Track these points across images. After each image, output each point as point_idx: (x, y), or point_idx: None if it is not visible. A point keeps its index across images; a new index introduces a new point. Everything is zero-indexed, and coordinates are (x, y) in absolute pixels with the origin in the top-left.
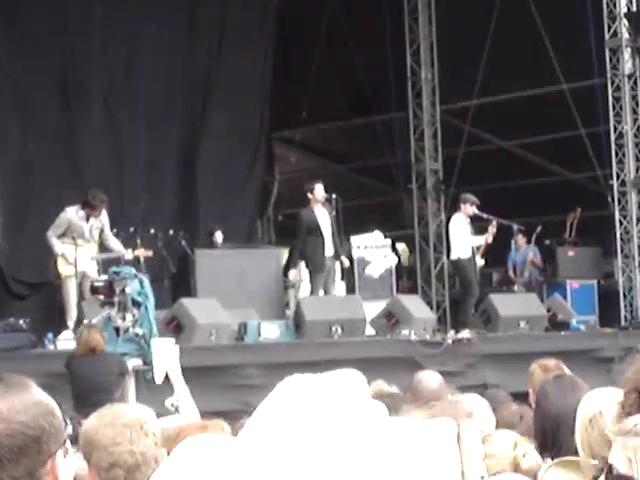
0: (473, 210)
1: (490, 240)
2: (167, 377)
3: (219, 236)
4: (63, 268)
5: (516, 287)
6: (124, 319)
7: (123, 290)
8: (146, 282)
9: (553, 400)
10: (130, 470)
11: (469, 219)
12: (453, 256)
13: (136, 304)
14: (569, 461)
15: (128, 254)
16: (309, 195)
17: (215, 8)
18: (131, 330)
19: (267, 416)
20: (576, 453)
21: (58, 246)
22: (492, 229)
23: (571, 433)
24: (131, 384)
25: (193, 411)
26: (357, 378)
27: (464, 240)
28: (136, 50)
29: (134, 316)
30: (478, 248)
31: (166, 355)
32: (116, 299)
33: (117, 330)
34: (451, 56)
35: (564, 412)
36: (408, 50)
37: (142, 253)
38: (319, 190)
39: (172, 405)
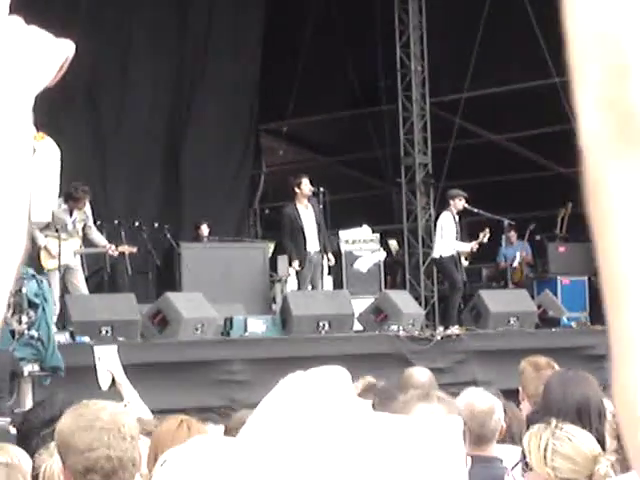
0: (462, 204)
1: (475, 249)
2: (113, 383)
3: (205, 229)
4: (46, 261)
5: (508, 275)
6: (20, 322)
7: (19, 291)
8: (45, 283)
9: (560, 394)
10: (107, 475)
11: (458, 216)
12: (435, 254)
13: (33, 306)
14: None
15: (112, 250)
16: (296, 189)
17: (203, 2)
18: (27, 333)
19: (265, 418)
20: None
21: (41, 239)
22: (483, 236)
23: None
24: (28, 390)
25: (146, 414)
26: (342, 375)
27: (448, 241)
28: (121, 44)
29: (30, 318)
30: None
31: (109, 361)
32: (11, 300)
33: (13, 333)
34: (441, 48)
35: (573, 406)
36: (398, 42)
37: (127, 249)
38: (305, 184)
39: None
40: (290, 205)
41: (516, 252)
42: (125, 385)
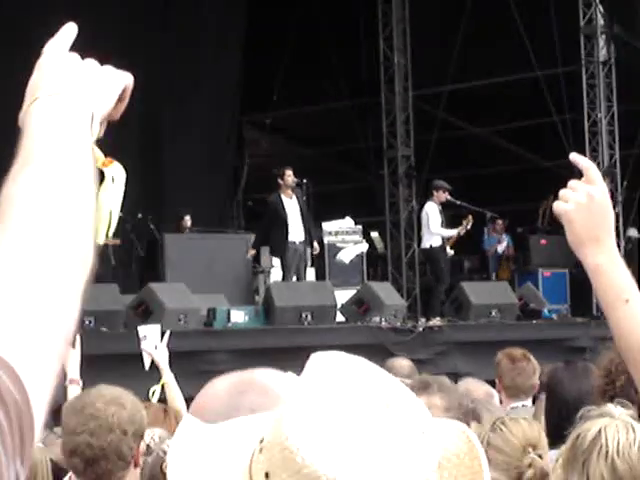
0: (446, 196)
1: (462, 233)
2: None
3: (188, 221)
4: None
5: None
6: None
7: None
8: None
9: (567, 386)
10: (88, 462)
11: (441, 206)
12: (425, 244)
13: None
14: None
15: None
16: (279, 180)
17: None
18: None
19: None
20: None
21: None
22: (466, 223)
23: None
24: None
25: (179, 399)
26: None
27: (434, 228)
28: (104, 34)
29: None
30: (449, 239)
31: (152, 342)
32: None
33: None
34: (424, 41)
35: (579, 397)
36: (381, 34)
37: (110, 242)
38: (289, 176)
39: (152, 393)
40: (275, 195)
41: (496, 241)
42: (163, 365)
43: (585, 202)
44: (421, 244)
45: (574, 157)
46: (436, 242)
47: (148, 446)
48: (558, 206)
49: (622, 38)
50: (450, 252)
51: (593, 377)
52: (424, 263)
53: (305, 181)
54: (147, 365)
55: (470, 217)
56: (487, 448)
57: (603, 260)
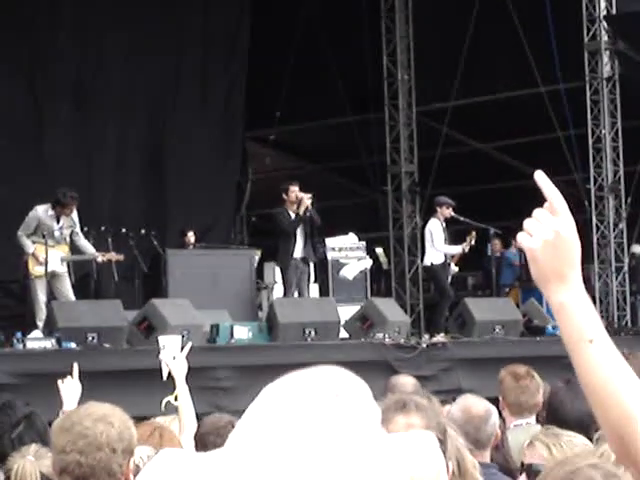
0: (449, 212)
1: (467, 250)
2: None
3: (191, 237)
4: (33, 268)
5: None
6: None
7: None
8: None
9: (569, 406)
10: (78, 479)
11: (445, 223)
12: (426, 262)
13: None
14: None
15: (99, 257)
16: (284, 196)
17: (188, 7)
18: None
19: (253, 424)
20: None
21: (29, 246)
22: (470, 239)
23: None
24: None
25: (191, 411)
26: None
27: (438, 246)
28: (105, 49)
29: None
30: (453, 257)
31: (171, 351)
32: None
33: None
34: (428, 57)
35: (581, 418)
36: (385, 50)
37: (113, 257)
38: (292, 191)
39: (166, 405)
40: (281, 208)
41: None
42: (179, 379)
43: (551, 239)
44: (423, 261)
45: (539, 178)
46: (438, 259)
47: (137, 466)
48: (522, 240)
49: (626, 54)
50: (455, 269)
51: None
52: (427, 280)
53: (310, 196)
54: (165, 375)
55: (474, 233)
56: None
57: (567, 298)
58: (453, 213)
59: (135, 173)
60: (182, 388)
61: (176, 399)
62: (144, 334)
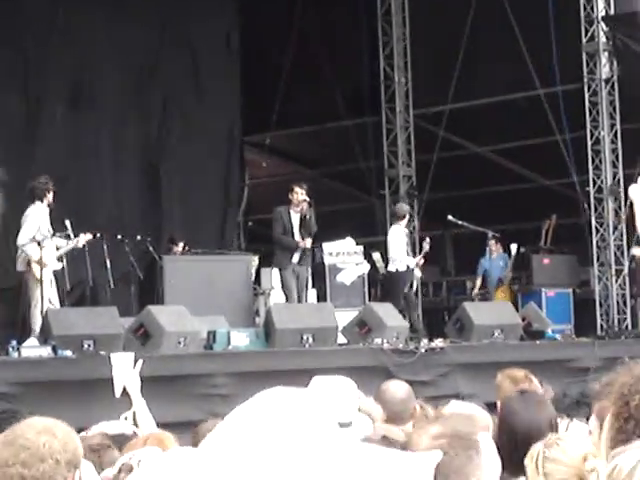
0: (405, 221)
1: (420, 263)
2: (125, 391)
3: (180, 247)
4: (38, 273)
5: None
6: None
7: None
8: None
9: (521, 416)
10: None
11: (406, 229)
12: (390, 268)
13: None
14: None
15: (79, 241)
16: (289, 196)
17: (184, 10)
18: None
19: (234, 430)
20: None
21: (35, 252)
22: (425, 246)
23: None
24: None
25: (151, 426)
26: (345, 388)
27: (400, 253)
28: (100, 50)
29: None
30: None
31: (125, 369)
32: None
33: None
34: (425, 60)
35: (534, 429)
36: (381, 53)
37: (86, 238)
38: (296, 192)
39: (125, 419)
40: (283, 206)
41: (499, 269)
42: (135, 395)
43: None
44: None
45: None
46: (402, 266)
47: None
48: None
49: (624, 55)
50: (418, 274)
51: (546, 410)
52: (425, 284)
53: (308, 200)
54: (118, 393)
55: (428, 239)
56: (544, 463)
57: None
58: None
59: (130, 177)
60: (139, 404)
61: (134, 417)
62: (140, 341)
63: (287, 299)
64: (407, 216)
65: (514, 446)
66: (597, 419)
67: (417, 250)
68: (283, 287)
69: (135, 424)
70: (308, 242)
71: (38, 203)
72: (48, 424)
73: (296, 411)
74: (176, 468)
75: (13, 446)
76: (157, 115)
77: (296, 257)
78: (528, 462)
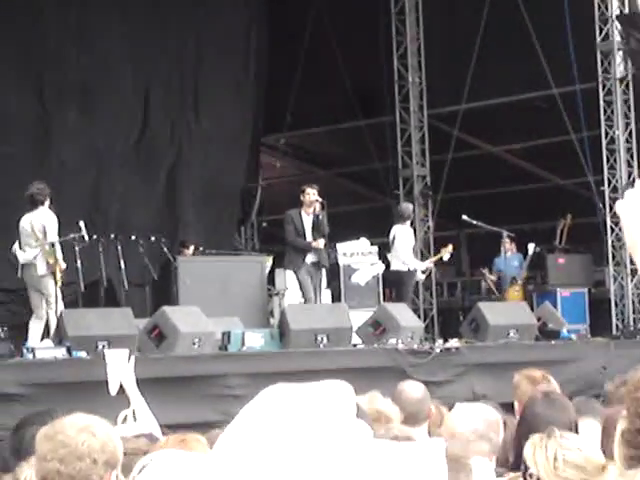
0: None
1: (430, 269)
2: (122, 388)
3: (190, 251)
4: (59, 276)
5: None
6: None
7: None
8: None
9: (542, 418)
10: None
11: (412, 229)
12: (393, 266)
13: None
14: None
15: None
16: (300, 197)
17: (198, 12)
18: None
19: (245, 428)
20: None
21: (60, 258)
22: (444, 253)
23: None
24: None
25: (151, 422)
26: (344, 391)
27: (404, 252)
28: (112, 53)
29: None
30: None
31: (120, 366)
32: None
33: None
34: (439, 60)
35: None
36: (395, 53)
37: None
38: (307, 194)
39: (123, 419)
40: (295, 209)
41: (513, 269)
42: (132, 392)
43: None
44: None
45: None
46: (404, 266)
47: None
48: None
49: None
50: (422, 276)
51: (568, 412)
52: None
53: (320, 200)
54: (113, 390)
55: (450, 247)
56: (564, 466)
57: None
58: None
59: (144, 179)
60: (137, 400)
61: (134, 414)
62: (155, 342)
63: (305, 300)
64: (412, 216)
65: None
66: (607, 424)
67: (431, 251)
68: (301, 287)
69: (135, 421)
70: (321, 242)
71: (42, 208)
72: (90, 422)
73: (308, 406)
74: (189, 470)
75: (53, 441)
76: (170, 116)
77: (309, 258)
78: (540, 459)
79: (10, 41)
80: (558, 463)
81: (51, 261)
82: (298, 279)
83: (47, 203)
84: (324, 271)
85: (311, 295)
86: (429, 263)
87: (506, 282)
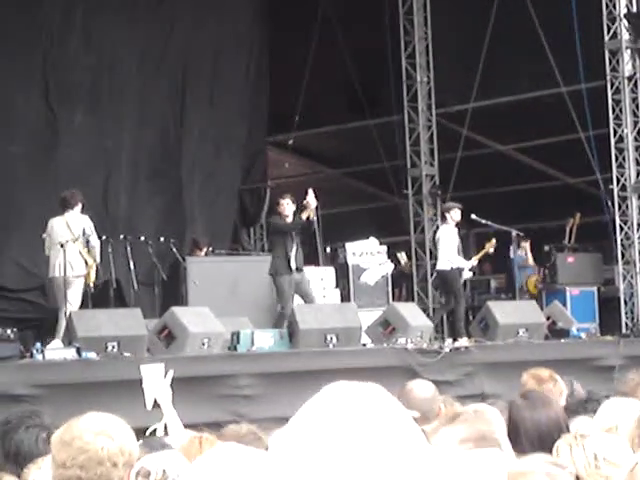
0: (458, 215)
1: (474, 265)
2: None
3: (204, 251)
4: (93, 277)
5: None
6: None
7: None
8: None
9: (529, 420)
10: None
11: (457, 228)
12: (439, 267)
13: None
14: None
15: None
16: (277, 208)
17: (202, 12)
18: None
19: (305, 428)
20: None
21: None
22: (489, 247)
23: (543, 448)
24: None
25: (183, 436)
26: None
27: (446, 253)
28: (119, 54)
29: None
30: (470, 269)
31: (155, 380)
32: None
33: None
34: (447, 59)
35: (540, 431)
36: (403, 52)
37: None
38: (282, 205)
39: (151, 432)
40: (276, 216)
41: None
42: (165, 405)
43: None
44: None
45: None
46: (447, 265)
47: (164, 471)
48: None
49: None
50: (468, 274)
51: (552, 410)
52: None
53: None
54: (149, 405)
55: (493, 241)
56: (606, 465)
57: None
58: (475, 216)
59: (151, 180)
60: (171, 415)
61: (165, 428)
62: (165, 343)
63: (282, 307)
64: (455, 209)
65: (521, 450)
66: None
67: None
68: (278, 293)
69: (166, 435)
70: (305, 214)
71: (71, 211)
72: (106, 425)
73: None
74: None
75: (71, 447)
76: (178, 116)
77: (293, 262)
78: (579, 459)
79: (16, 42)
80: (599, 462)
81: (90, 262)
82: (277, 285)
83: (80, 206)
84: (305, 274)
85: (289, 305)
86: (474, 261)
87: (520, 279)
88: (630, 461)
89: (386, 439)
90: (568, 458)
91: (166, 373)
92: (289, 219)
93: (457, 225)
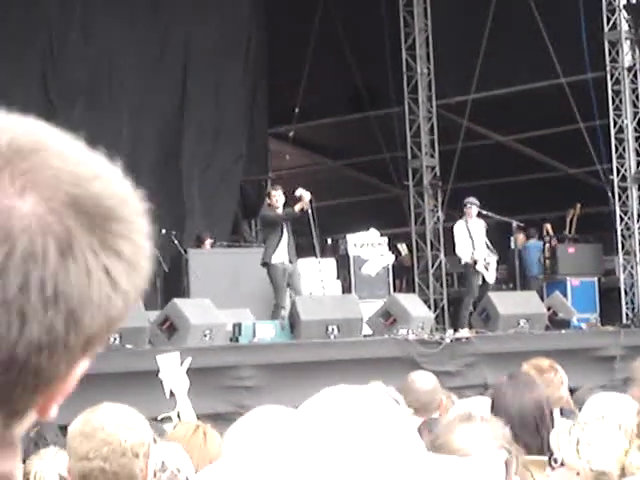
0: (470, 210)
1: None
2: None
3: (208, 244)
4: None
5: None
6: None
7: None
8: None
9: (510, 399)
10: None
11: (481, 220)
12: (463, 260)
13: None
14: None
15: None
16: (267, 200)
17: (200, 5)
18: None
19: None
20: (538, 452)
21: None
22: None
23: (529, 433)
24: None
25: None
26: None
27: (464, 246)
28: (118, 49)
29: None
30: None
31: (172, 370)
32: None
33: None
34: (447, 50)
35: (522, 411)
36: (403, 44)
37: None
38: (273, 196)
39: (163, 419)
40: (268, 209)
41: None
42: (180, 394)
43: None
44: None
45: None
46: (467, 259)
47: (163, 462)
48: None
49: None
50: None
51: (537, 391)
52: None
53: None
54: (167, 394)
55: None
56: (587, 449)
57: None
58: (473, 212)
59: (151, 173)
60: (185, 405)
61: (179, 416)
62: (166, 334)
63: (276, 298)
64: (468, 208)
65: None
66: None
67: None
68: (272, 282)
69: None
70: (298, 207)
71: None
72: (125, 416)
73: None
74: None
75: (94, 440)
76: (177, 110)
77: (284, 253)
78: (563, 444)
79: (15, 37)
80: (581, 446)
81: None
82: (270, 274)
83: None
84: (297, 267)
85: (282, 295)
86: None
87: (530, 271)
88: (617, 448)
89: (380, 446)
90: (554, 443)
91: (182, 362)
92: (279, 210)
93: (479, 217)
